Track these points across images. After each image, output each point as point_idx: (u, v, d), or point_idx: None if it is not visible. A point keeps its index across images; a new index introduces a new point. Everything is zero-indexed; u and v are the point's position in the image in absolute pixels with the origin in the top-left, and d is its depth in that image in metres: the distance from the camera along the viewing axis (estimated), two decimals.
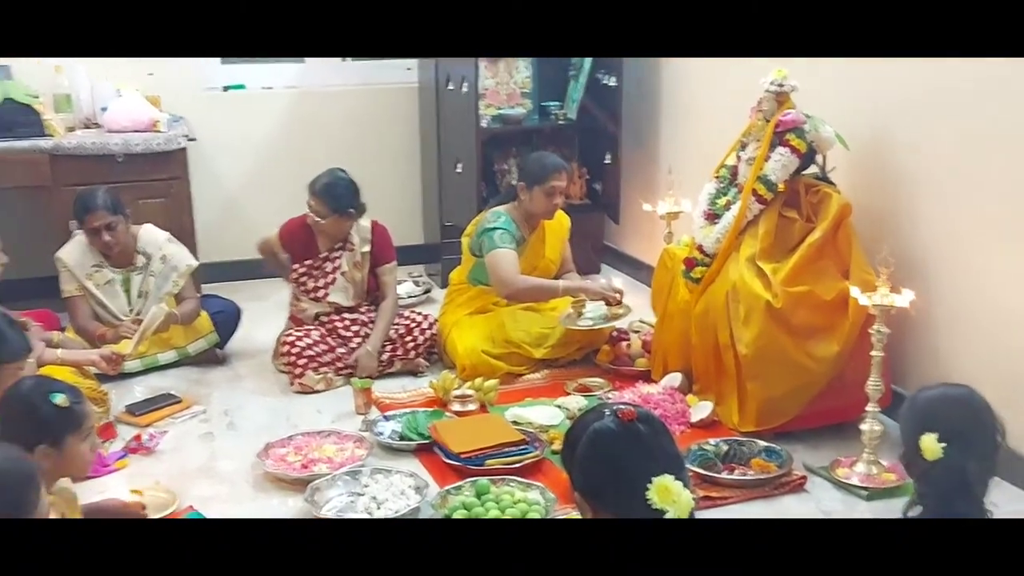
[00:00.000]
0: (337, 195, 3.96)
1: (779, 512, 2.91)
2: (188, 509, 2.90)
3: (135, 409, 3.71)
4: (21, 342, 2.77)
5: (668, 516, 1.58)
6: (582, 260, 4.60)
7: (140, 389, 3.95)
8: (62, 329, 4.12)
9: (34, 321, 4.02)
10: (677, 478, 1.61)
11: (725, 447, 3.15)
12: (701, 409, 3.44)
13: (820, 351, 3.20)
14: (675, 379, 3.62)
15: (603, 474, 1.67)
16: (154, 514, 2.91)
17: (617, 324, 4.08)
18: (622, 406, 1.70)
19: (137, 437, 3.45)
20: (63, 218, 4.27)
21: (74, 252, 4.08)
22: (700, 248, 3.52)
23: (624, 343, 4.03)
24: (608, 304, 3.96)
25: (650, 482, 1.60)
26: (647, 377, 3.81)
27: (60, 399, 2.26)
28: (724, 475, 3.02)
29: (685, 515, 1.59)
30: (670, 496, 1.58)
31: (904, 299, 2.86)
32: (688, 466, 3.00)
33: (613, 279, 4.51)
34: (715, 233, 3.47)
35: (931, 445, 1.82)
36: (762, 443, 3.18)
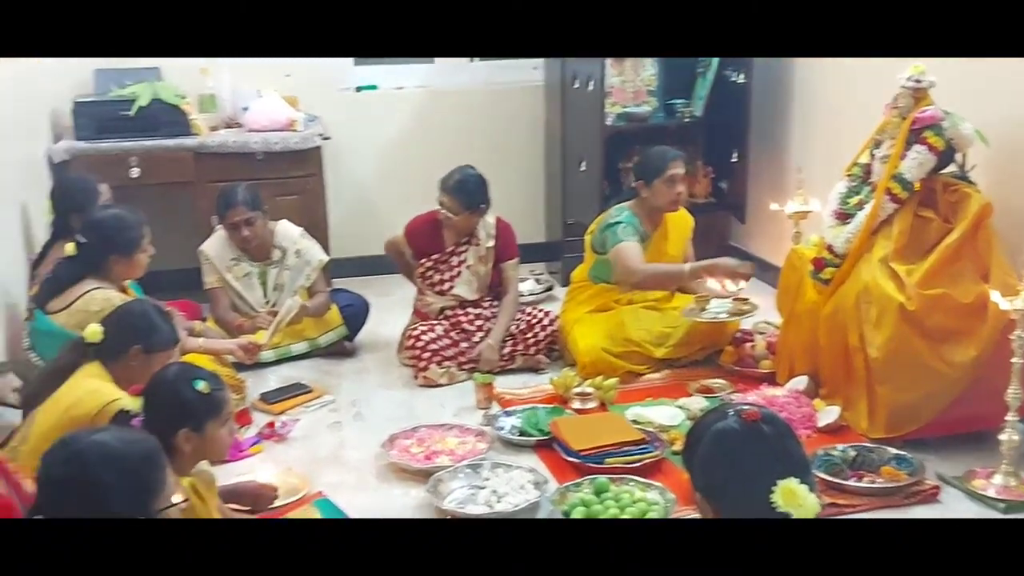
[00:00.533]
0: (469, 191, 4.04)
1: None
2: (318, 495, 3.00)
3: (269, 397, 3.86)
4: (171, 332, 2.91)
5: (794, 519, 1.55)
6: (704, 258, 4.52)
7: (274, 378, 4.10)
8: (203, 319, 4.33)
9: (178, 311, 4.24)
10: (803, 481, 1.58)
11: (853, 453, 3.07)
12: (828, 414, 3.35)
13: (956, 356, 3.08)
14: (801, 382, 3.54)
15: (725, 475, 1.65)
16: (286, 499, 3.03)
17: (742, 323, 4.02)
18: (746, 406, 1.68)
19: (271, 424, 3.59)
20: (206, 213, 4.47)
21: (215, 246, 4.28)
22: (830, 248, 3.43)
23: (748, 344, 3.96)
24: (733, 300, 3.89)
25: (774, 484, 1.57)
26: (772, 380, 3.74)
27: (202, 386, 2.37)
28: (852, 482, 2.93)
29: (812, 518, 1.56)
30: (796, 500, 1.56)
31: None
32: (814, 472, 2.95)
33: (739, 280, 4.45)
34: (846, 233, 3.38)
35: None
36: (892, 450, 3.08)
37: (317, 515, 2.79)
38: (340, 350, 4.37)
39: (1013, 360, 2.81)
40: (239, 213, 4.16)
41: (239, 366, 3.95)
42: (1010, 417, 2.86)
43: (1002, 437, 2.88)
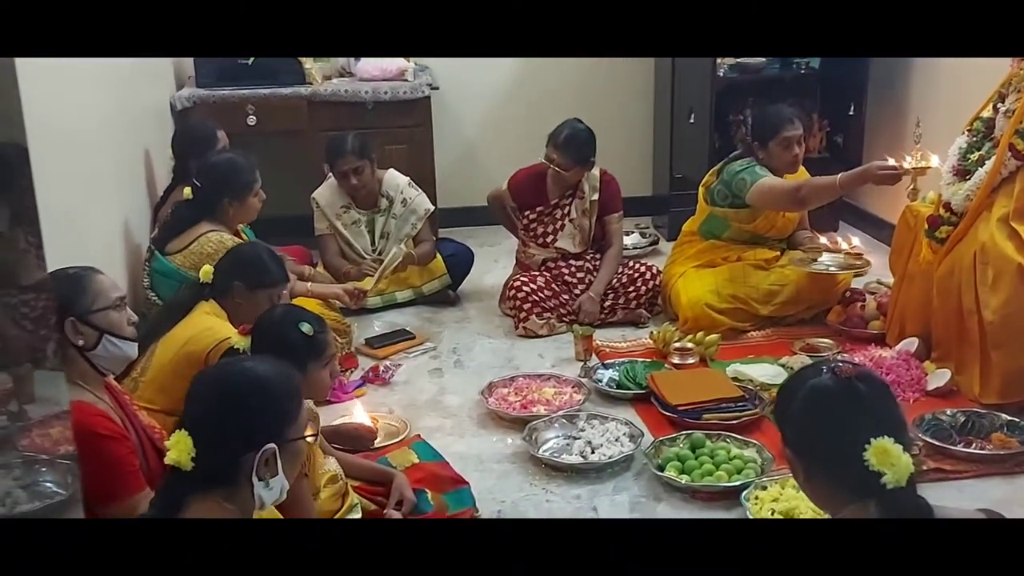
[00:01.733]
0: (578, 146, 4.02)
1: (1018, 491, 2.71)
2: (416, 438, 3.06)
3: (374, 342, 3.95)
4: (280, 272, 3.01)
5: (885, 480, 1.51)
6: (818, 217, 4.41)
7: (379, 324, 4.20)
8: (314, 265, 4.45)
9: (289, 256, 4.37)
10: (897, 441, 1.53)
11: (963, 418, 2.96)
12: (938, 377, 3.24)
13: None
14: (912, 344, 3.42)
15: (817, 432, 1.61)
16: (385, 441, 3.11)
17: (852, 282, 3.90)
18: (842, 364, 1.63)
19: (375, 368, 3.69)
20: (317, 161, 4.57)
21: (326, 193, 4.37)
22: (947, 206, 3.29)
23: (859, 304, 3.85)
24: (846, 255, 3.76)
25: (867, 443, 1.53)
26: (881, 341, 3.62)
27: (306, 327, 2.44)
28: (960, 448, 2.84)
29: (903, 481, 1.51)
30: (889, 459, 1.52)
31: None
32: (921, 435, 2.87)
33: (852, 238, 4.32)
34: (965, 190, 3.24)
35: None
36: (1005, 416, 2.95)
37: (414, 457, 2.84)
38: (444, 298, 4.44)
39: None
40: (348, 162, 4.23)
41: (346, 311, 4.05)
42: None
43: None
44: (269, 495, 1.64)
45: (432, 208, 4.43)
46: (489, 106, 5.48)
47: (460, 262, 4.48)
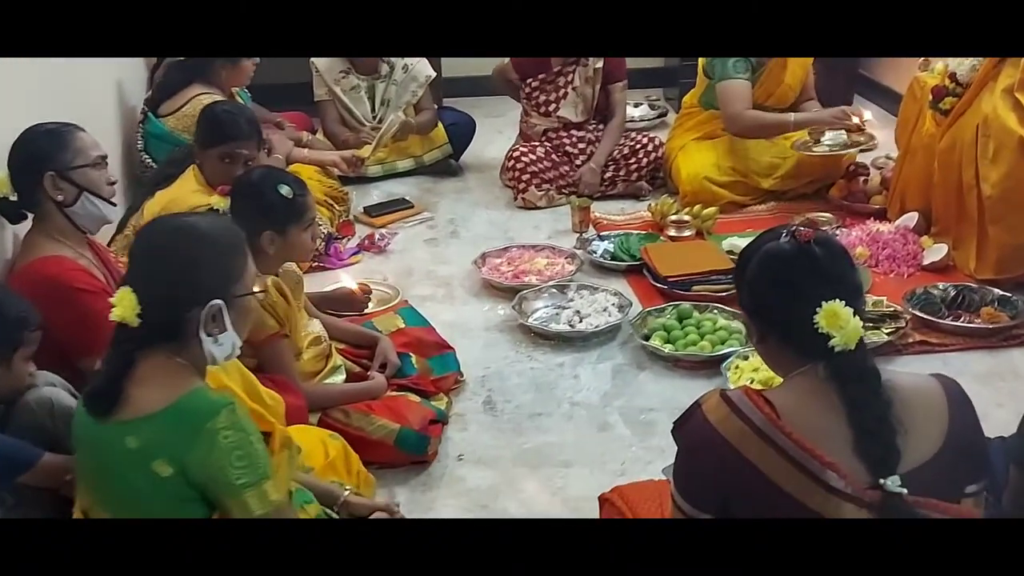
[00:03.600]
0: None
1: (1001, 365, 2.70)
2: (403, 303, 3.06)
3: (372, 211, 3.94)
4: (248, 127, 2.79)
5: (833, 343, 1.49)
6: (832, 91, 4.29)
7: (377, 193, 4.18)
8: (314, 131, 4.39)
9: (288, 122, 4.32)
10: (849, 304, 1.51)
11: (953, 292, 2.92)
12: (935, 252, 3.19)
13: None
14: (911, 219, 3.36)
15: (771, 294, 1.58)
16: (378, 307, 3.12)
17: (857, 155, 3.81)
18: (800, 227, 1.59)
19: (371, 236, 3.69)
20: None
21: (325, 58, 4.28)
22: (952, 76, 3.18)
23: (862, 178, 3.76)
24: (849, 131, 3.67)
25: (819, 305, 1.51)
26: (882, 215, 3.56)
27: (285, 190, 2.40)
28: (948, 321, 2.81)
29: (852, 343, 1.49)
30: (838, 322, 1.49)
31: None
32: (910, 309, 2.84)
33: (864, 111, 4.20)
34: (971, 60, 3.11)
35: None
36: (997, 292, 2.91)
37: (400, 322, 2.85)
38: (445, 168, 4.39)
39: None
40: None
41: (344, 179, 4.02)
42: None
43: None
44: (220, 351, 1.64)
45: (433, 75, 4.34)
46: None
47: (462, 131, 4.42)
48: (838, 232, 3.48)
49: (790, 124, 3.71)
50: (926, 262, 3.19)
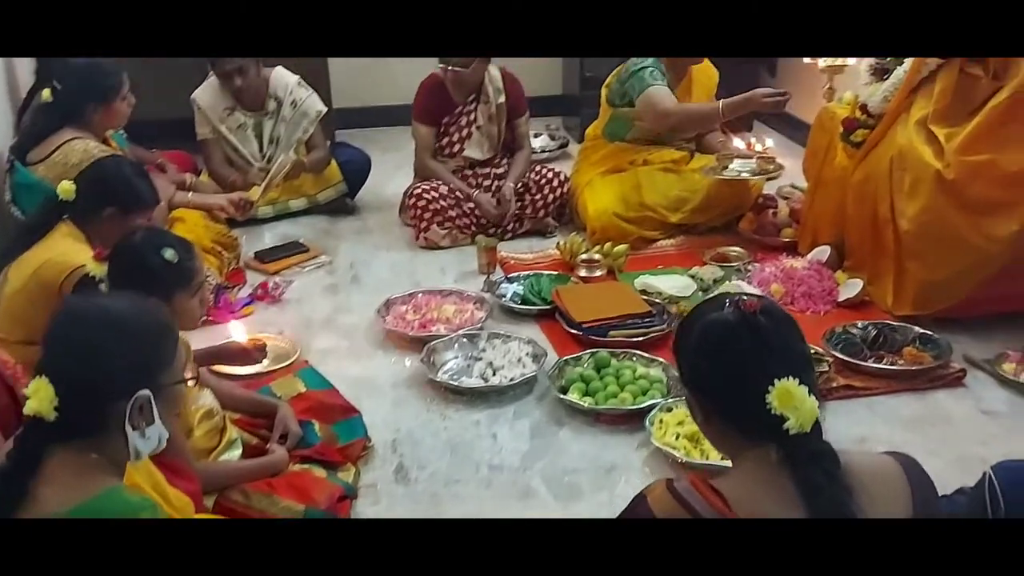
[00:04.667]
0: None
1: (929, 409, 2.63)
2: (303, 364, 2.85)
3: (264, 256, 3.71)
4: (150, 191, 2.72)
5: (788, 425, 1.36)
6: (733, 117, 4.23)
7: (270, 235, 3.95)
8: (198, 172, 4.14)
9: (170, 163, 4.06)
10: (802, 382, 1.38)
11: (874, 331, 2.85)
12: (850, 287, 3.13)
13: (997, 230, 2.80)
14: (824, 252, 3.30)
15: (716, 371, 1.45)
16: (275, 364, 2.90)
17: (765, 188, 3.77)
18: (744, 296, 1.46)
19: (264, 285, 3.45)
20: (198, 58, 4.20)
21: (208, 94, 4.03)
22: (863, 107, 3.13)
23: (771, 210, 3.71)
24: (758, 158, 3.61)
25: (771, 384, 1.38)
26: (793, 249, 3.50)
27: (169, 254, 2.20)
28: (871, 363, 2.73)
29: (808, 425, 1.37)
30: (792, 402, 1.37)
31: None
32: (831, 350, 2.76)
33: (766, 138, 4.18)
34: (882, 91, 3.08)
35: None
36: (917, 329, 2.85)
37: (300, 385, 2.65)
38: (340, 207, 4.19)
39: None
40: (231, 61, 3.89)
41: (232, 222, 3.78)
42: None
43: None
44: (146, 445, 1.48)
45: (325, 110, 4.13)
46: None
47: (357, 168, 4.23)
48: (751, 268, 3.41)
49: (718, 110, 3.54)
50: (842, 298, 3.13)
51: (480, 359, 2.91)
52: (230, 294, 3.41)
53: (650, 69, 3.61)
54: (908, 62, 3.03)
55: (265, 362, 2.91)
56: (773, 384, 1.38)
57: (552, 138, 4.88)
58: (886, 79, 3.10)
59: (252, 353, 2.76)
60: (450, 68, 3.74)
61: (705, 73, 3.82)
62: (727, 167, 3.62)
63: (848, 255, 3.26)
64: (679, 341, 1.54)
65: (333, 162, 4.14)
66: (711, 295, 1.53)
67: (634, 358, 2.84)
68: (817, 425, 1.39)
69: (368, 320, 3.24)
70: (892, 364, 2.74)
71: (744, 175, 3.63)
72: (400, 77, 4.99)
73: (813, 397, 1.38)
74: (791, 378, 1.38)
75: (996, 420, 2.55)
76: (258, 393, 2.60)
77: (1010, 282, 2.86)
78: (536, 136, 4.73)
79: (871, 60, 3.19)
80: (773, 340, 1.43)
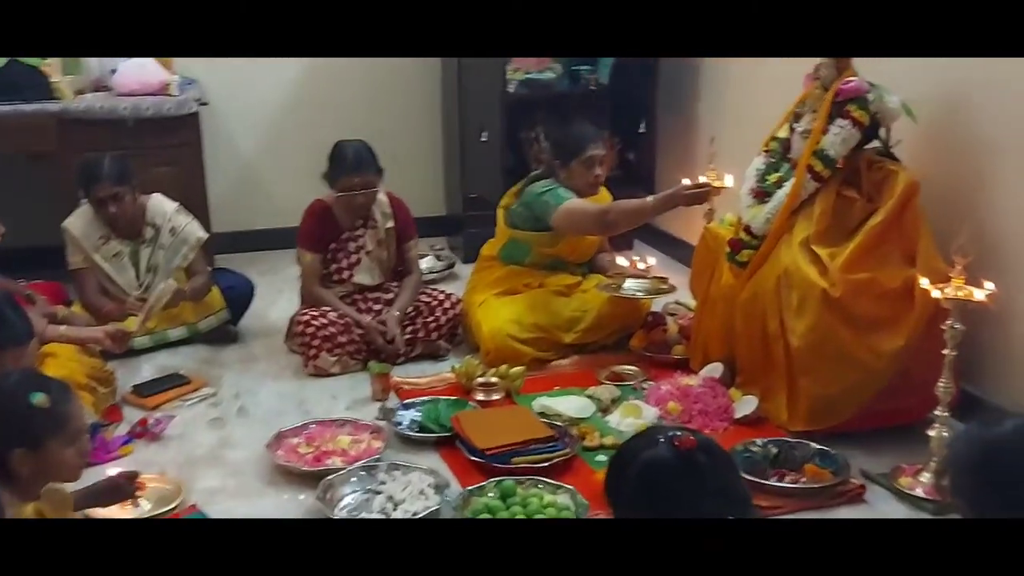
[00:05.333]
0: (371, 156, 3.75)
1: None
2: (191, 509, 2.69)
3: (142, 390, 3.52)
4: (24, 326, 2.55)
5: None
6: (615, 237, 4.32)
7: (148, 368, 3.76)
8: (70, 303, 3.94)
9: (40, 294, 3.84)
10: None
11: (775, 450, 2.88)
12: (746, 404, 3.18)
13: (882, 345, 2.91)
14: (716, 370, 3.36)
15: (654, 513, 1.42)
16: (158, 508, 2.73)
17: (652, 305, 3.84)
18: (679, 432, 1.45)
19: (143, 422, 3.25)
20: (71, 185, 4.05)
21: (81, 222, 3.87)
22: (747, 229, 3.24)
23: (660, 328, 3.76)
24: (649, 277, 3.70)
25: None
26: (685, 366, 3.55)
27: (39, 399, 2.03)
28: (774, 482, 2.75)
29: None
30: None
31: (983, 293, 2.56)
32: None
33: (649, 258, 4.27)
34: (765, 213, 3.19)
35: None
36: (815, 446, 2.90)
37: None
38: (223, 336, 4.03)
39: (945, 352, 2.65)
40: (105, 188, 3.75)
41: (108, 355, 3.58)
42: (939, 411, 2.71)
43: (931, 432, 2.72)
44: None
45: (205, 236, 4.01)
46: (265, 122, 5.10)
47: (240, 294, 4.09)
48: (646, 386, 3.43)
49: (648, 206, 3.55)
50: (738, 415, 3.17)
51: (380, 492, 2.80)
52: (106, 432, 3.20)
53: (560, 188, 3.67)
54: (787, 186, 3.16)
55: (147, 506, 2.75)
56: None
57: (438, 259, 4.87)
58: (767, 202, 3.22)
59: (125, 487, 2.57)
60: (342, 196, 3.70)
61: (600, 198, 3.89)
62: (622, 285, 3.68)
63: (740, 372, 3.31)
64: (612, 481, 1.51)
65: (215, 289, 4.00)
66: (640, 432, 1.51)
67: (540, 485, 2.79)
68: None
69: (257, 455, 3.08)
70: (795, 482, 2.76)
71: (639, 294, 3.69)
72: (279, 201, 4.95)
73: None
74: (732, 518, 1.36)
75: None
76: None
77: (898, 396, 2.95)
78: (422, 257, 4.71)
79: (752, 184, 3.31)
80: (712, 478, 1.41)
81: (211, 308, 4.00)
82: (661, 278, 3.71)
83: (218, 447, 3.18)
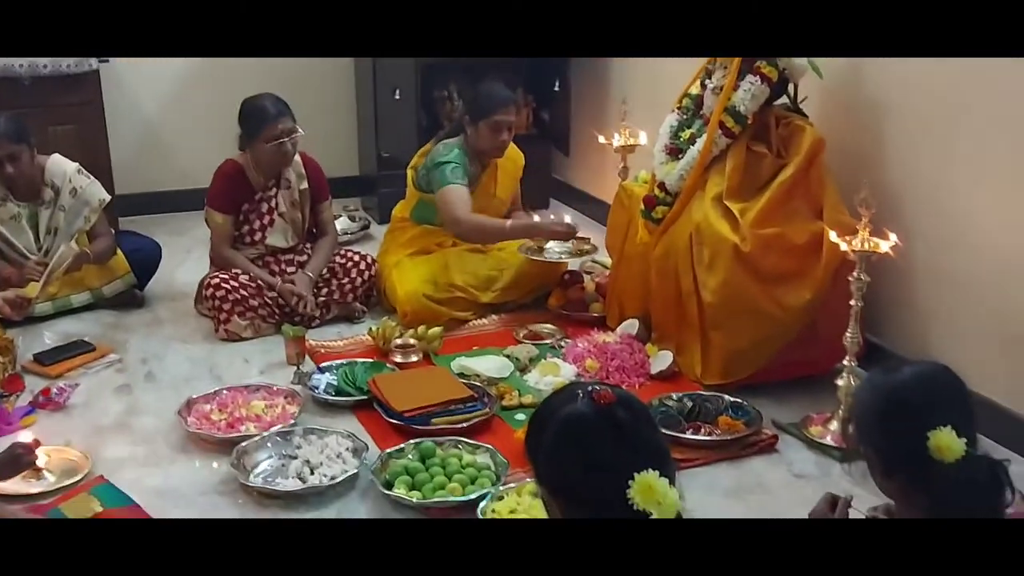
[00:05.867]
0: (287, 104, 3.63)
1: (746, 476, 2.71)
2: (98, 480, 2.61)
3: (44, 358, 3.39)
4: None
5: (653, 518, 1.34)
6: (529, 194, 4.31)
7: (50, 335, 3.63)
8: None
9: None
10: (663, 474, 1.37)
11: (690, 403, 2.93)
12: (661, 360, 3.21)
13: (791, 299, 2.97)
14: (632, 326, 3.38)
15: (574, 468, 1.42)
16: (64, 480, 2.65)
17: (570, 264, 3.84)
18: (598, 387, 1.45)
19: (45, 391, 3.14)
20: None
21: None
22: (661, 186, 3.26)
23: (578, 286, 3.78)
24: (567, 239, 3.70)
25: (631, 478, 1.36)
26: (602, 323, 3.57)
27: None
28: (690, 435, 2.80)
29: (671, 517, 1.35)
30: (654, 496, 1.35)
31: (888, 244, 2.63)
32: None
33: (564, 215, 4.27)
34: (678, 170, 3.21)
35: (950, 442, 1.55)
36: (728, 398, 2.95)
37: (96, 505, 2.42)
38: (129, 300, 3.91)
39: (851, 303, 2.71)
40: (1, 147, 3.58)
41: (7, 323, 3.45)
42: (847, 362, 2.78)
43: (839, 382, 2.79)
44: None
45: (107, 197, 3.86)
46: (169, 81, 4.94)
47: (146, 258, 3.97)
48: (564, 344, 3.45)
49: (506, 231, 3.65)
50: (654, 371, 3.20)
51: (296, 458, 2.75)
52: (7, 403, 3.08)
53: (452, 165, 3.63)
54: (700, 142, 3.18)
55: (51, 478, 2.66)
56: (633, 478, 1.36)
57: (353, 220, 4.79)
58: (680, 159, 3.24)
59: (22, 453, 2.49)
60: (288, 143, 3.58)
61: (511, 159, 3.88)
62: (544, 247, 3.68)
63: (655, 328, 3.35)
64: (532, 438, 1.50)
65: (119, 252, 3.87)
66: (558, 386, 1.51)
67: (459, 445, 2.78)
68: (680, 517, 1.37)
69: (168, 422, 3.01)
70: (709, 434, 2.81)
71: (564, 257, 3.71)
72: (186, 161, 4.81)
73: (674, 488, 1.37)
74: (651, 471, 1.36)
75: (808, 483, 2.65)
76: (48, 515, 2.35)
77: (806, 348, 3.02)
78: (336, 218, 4.63)
79: (665, 141, 3.33)
80: (631, 433, 1.41)
81: (116, 272, 3.88)
82: (583, 238, 3.72)
83: (125, 415, 3.09)
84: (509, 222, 3.71)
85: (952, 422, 1.56)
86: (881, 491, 1.72)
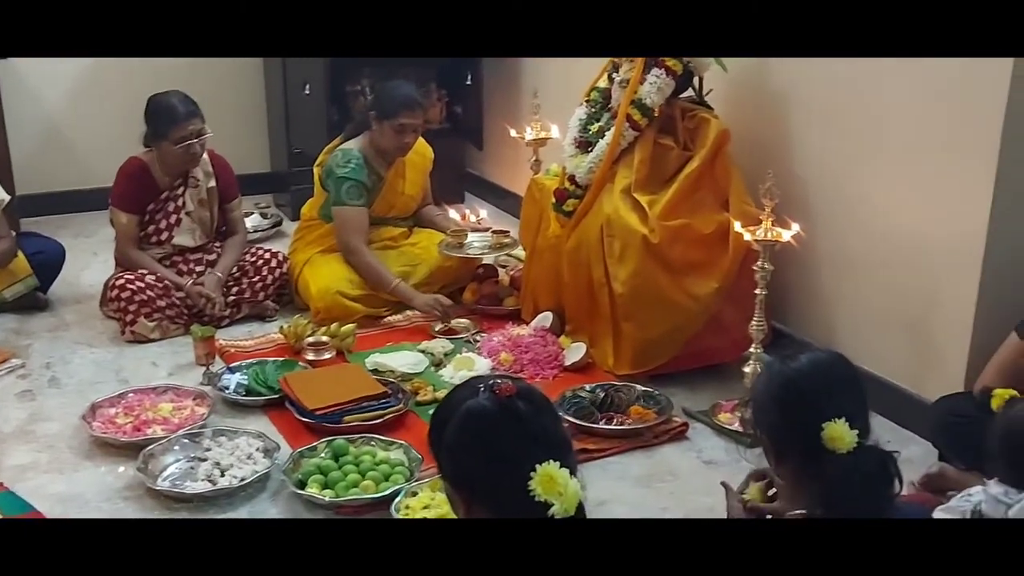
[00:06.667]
0: (195, 103, 3.55)
1: (658, 465, 2.74)
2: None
3: None
4: None
5: (553, 511, 1.35)
6: (443, 188, 4.31)
7: None
8: None
9: None
10: (563, 464, 1.38)
11: (602, 393, 2.95)
12: (575, 351, 3.24)
13: (698, 288, 3.03)
14: (546, 319, 3.40)
15: (476, 461, 1.42)
16: None
17: (491, 256, 3.84)
18: (499, 380, 1.45)
19: None
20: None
21: None
22: (572, 179, 3.28)
23: (492, 280, 3.78)
24: (494, 231, 3.73)
25: (533, 470, 1.36)
26: (517, 317, 3.58)
27: None
28: (602, 425, 2.82)
29: (572, 508, 1.36)
30: (555, 487, 1.36)
31: (790, 233, 2.69)
32: (563, 415, 2.81)
33: (479, 209, 4.27)
34: (587, 162, 3.24)
35: (843, 433, 1.59)
36: (640, 388, 2.99)
37: None
38: (31, 303, 3.79)
39: (756, 292, 2.77)
40: None
41: None
42: (753, 349, 2.84)
43: (746, 369, 2.85)
44: None
45: (8, 198, 3.73)
46: (71, 77, 4.79)
47: (48, 260, 3.85)
48: (479, 338, 3.45)
49: (388, 287, 3.59)
50: (568, 362, 3.22)
51: (205, 460, 2.71)
52: None
53: (348, 184, 3.59)
54: (608, 135, 3.21)
55: None
56: (535, 470, 1.37)
57: (264, 216, 4.72)
58: (590, 152, 3.26)
59: None
60: (197, 144, 3.50)
61: (420, 155, 3.85)
62: (463, 243, 3.66)
63: (568, 320, 3.37)
64: (435, 433, 1.50)
65: (20, 254, 3.74)
66: (464, 380, 1.51)
67: (372, 442, 2.76)
68: (582, 509, 1.39)
69: (72, 428, 2.93)
70: (621, 424, 2.84)
71: (486, 253, 3.71)
72: (89, 160, 4.68)
73: (575, 480, 1.38)
74: (552, 462, 1.37)
75: (718, 469, 2.69)
76: None
77: (713, 337, 3.08)
78: (248, 215, 4.55)
79: (575, 134, 3.34)
80: (532, 424, 1.42)
81: (16, 275, 3.75)
82: (503, 231, 3.72)
83: (28, 421, 3.00)
84: (395, 282, 3.59)
85: (845, 411, 1.60)
86: (775, 475, 1.76)
